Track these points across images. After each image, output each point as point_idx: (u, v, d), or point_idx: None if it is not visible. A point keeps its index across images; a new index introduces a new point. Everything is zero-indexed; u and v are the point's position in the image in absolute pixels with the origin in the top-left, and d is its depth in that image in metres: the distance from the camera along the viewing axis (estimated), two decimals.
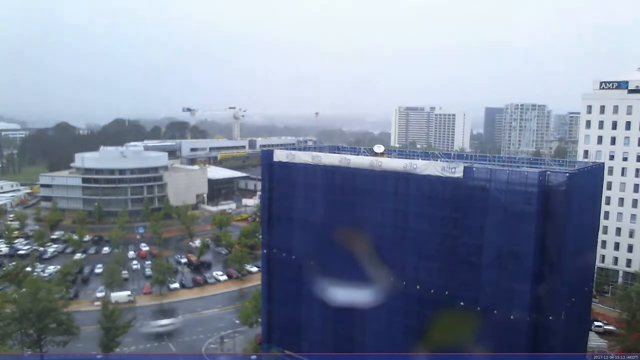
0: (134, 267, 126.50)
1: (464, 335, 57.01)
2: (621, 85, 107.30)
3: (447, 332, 57.81)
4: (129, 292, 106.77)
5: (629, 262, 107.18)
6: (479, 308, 55.84)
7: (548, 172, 54.48)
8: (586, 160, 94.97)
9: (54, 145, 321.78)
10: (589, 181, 61.72)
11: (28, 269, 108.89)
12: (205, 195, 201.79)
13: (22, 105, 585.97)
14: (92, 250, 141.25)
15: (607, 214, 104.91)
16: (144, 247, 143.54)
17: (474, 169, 57.39)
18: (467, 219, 56.80)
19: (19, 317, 76.69)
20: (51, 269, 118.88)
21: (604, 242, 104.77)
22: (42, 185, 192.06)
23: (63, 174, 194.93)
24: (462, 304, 57.10)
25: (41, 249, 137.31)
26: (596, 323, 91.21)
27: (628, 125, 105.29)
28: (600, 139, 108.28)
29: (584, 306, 66.50)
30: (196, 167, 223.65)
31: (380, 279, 66.37)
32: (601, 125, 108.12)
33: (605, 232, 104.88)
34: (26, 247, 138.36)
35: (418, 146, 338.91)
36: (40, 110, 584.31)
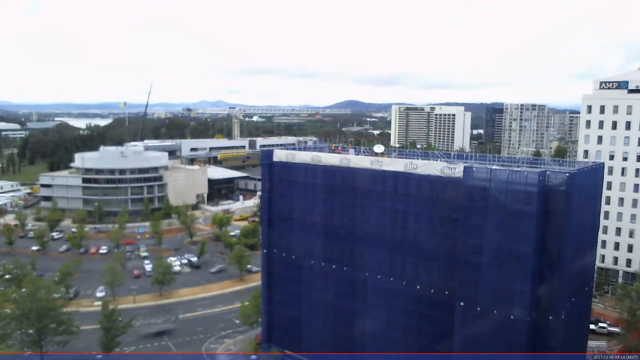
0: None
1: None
2: (621, 85, 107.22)
3: None
4: None
5: (629, 262, 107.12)
6: (479, 308, 55.84)
7: (548, 172, 54.45)
8: (586, 160, 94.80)
9: (54, 145, 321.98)
10: (589, 181, 61.65)
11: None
12: (205, 195, 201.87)
13: None
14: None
15: (607, 214, 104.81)
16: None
17: (474, 169, 57.35)
18: (467, 219, 56.75)
19: (19, 317, 76.76)
20: None
21: (604, 242, 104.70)
22: (42, 185, 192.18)
23: (63, 174, 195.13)
24: (462, 304, 57.09)
25: None
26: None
27: (628, 125, 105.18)
28: (600, 139, 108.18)
29: (584, 306, 66.46)
30: (196, 167, 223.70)
31: (380, 279, 66.43)
32: (601, 125, 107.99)
33: (605, 232, 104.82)
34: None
35: (418, 146, 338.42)
36: None
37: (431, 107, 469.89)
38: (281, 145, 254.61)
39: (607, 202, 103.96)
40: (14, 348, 74.51)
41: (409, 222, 63.37)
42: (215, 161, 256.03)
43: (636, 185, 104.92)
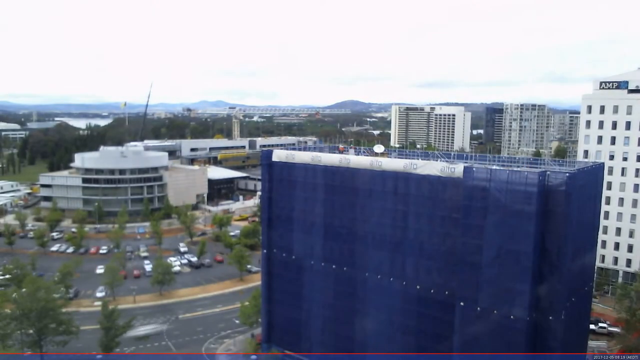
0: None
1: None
2: (621, 85, 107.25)
3: None
4: None
5: (629, 262, 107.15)
6: (479, 308, 55.85)
7: (548, 172, 54.46)
8: (586, 160, 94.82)
9: (54, 145, 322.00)
10: (589, 181, 61.68)
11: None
12: (205, 195, 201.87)
13: None
14: None
15: (607, 214, 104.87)
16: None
17: (474, 169, 57.35)
18: (467, 219, 56.75)
19: (19, 317, 76.74)
20: None
21: (604, 242, 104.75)
22: (42, 185, 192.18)
23: (63, 174, 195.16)
24: (462, 304, 57.09)
25: None
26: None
27: (628, 125, 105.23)
28: (600, 139, 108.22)
29: (584, 306, 66.47)
30: (196, 167, 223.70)
31: (380, 279, 66.42)
32: (601, 125, 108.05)
33: (605, 232, 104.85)
34: None
35: (418, 146, 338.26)
36: None
37: (431, 107, 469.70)
38: (281, 145, 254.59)
39: (607, 202, 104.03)
40: (14, 348, 74.55)
41: (409, 222, 63.35)
42: (215, 161, 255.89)
43: (636, 185, 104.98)
